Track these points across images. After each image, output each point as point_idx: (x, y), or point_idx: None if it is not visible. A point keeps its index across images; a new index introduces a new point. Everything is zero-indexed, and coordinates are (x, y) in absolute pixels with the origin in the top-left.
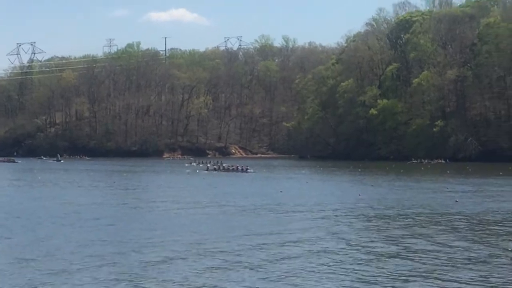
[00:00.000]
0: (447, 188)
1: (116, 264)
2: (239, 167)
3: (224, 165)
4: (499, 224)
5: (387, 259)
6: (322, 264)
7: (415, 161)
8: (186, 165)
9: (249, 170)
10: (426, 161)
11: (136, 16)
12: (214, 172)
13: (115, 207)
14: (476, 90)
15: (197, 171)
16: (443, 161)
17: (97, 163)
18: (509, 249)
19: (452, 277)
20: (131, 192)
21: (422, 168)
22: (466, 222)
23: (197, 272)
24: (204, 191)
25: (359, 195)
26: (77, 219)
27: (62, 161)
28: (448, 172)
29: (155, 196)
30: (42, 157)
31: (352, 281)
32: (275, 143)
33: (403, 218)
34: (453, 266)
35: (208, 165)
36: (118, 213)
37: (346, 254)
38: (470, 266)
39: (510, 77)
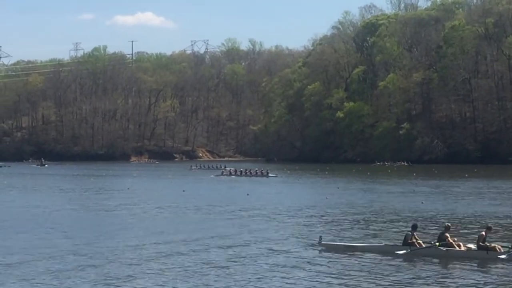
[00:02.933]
0: (414, 190)
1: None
2: (258, 172)
3: (241, 169)
4: (465, 226)
5: (349, 259)
6: (280, 265)
7: (379, 163)
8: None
9: (270, 175)
10: (389, 163)
11: (103, 19)
12: (230, 177)
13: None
14: (442, 93)
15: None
16: (406, 164)
17: (86, 168)
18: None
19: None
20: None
21: (389, 171)
22: (432, 224)
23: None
24: (174, 194)
25: (326, 197)
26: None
27: (46, 165)
28: (414, 174)
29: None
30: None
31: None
32: (242, 146)
33: (369, 220)
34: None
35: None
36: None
37: (306, 256)
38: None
39: (475, 80)
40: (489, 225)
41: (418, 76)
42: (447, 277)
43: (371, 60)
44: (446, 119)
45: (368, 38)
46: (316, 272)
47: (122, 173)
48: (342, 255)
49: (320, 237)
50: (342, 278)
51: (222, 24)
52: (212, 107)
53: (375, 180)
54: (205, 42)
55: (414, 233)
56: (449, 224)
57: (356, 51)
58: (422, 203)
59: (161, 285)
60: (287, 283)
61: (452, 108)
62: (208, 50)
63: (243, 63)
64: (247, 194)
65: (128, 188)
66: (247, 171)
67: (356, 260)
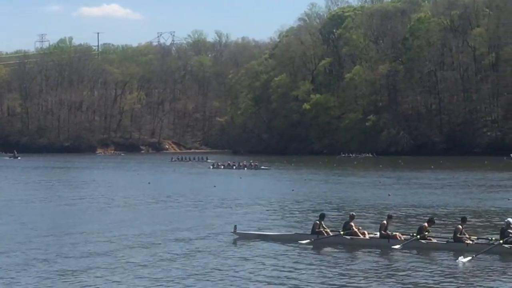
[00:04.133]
0: (380, 182)
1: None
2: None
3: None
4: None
5: (308, 252)
6: (188, 252)
7: (344, 155)
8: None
9: (262, 167)
10: (354, 155)
11: (69, 11)
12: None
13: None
14: (408, 85)
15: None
16: (371, 155)
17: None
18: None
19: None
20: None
21: (355, 162)
22: (398, 215)
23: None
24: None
25: (293, 190)
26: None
27: (19, 158)
28: (380, 166)
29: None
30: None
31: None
32: (208, 138)
33: (337, 212)
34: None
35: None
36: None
37: (217, 245)
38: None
39: (441, 72)
40: (390, 213)
41: (384, 68)
42: (347, 264)
43: (337, 52)
44: (412, 111)
45: (334, 30)
46: (222, 258)
47: (88, 165)
48: (253, 243)
49: (235, 226)
50: (244, 265)
51: (189, 16)
52: (178, 99)
53: (342, 172)
54: (171, 34)
55: (322, 222)
56: (354, 213)
57: (323, 43)
58: (389, 195)
59: (107, 278)
60: (187, 268)
61: (418, 100)
62: (175, 42)
63: (210, 55)
64: (214, 186)
65: (94, 180)
66: (239, 164)
67: (266, 247)
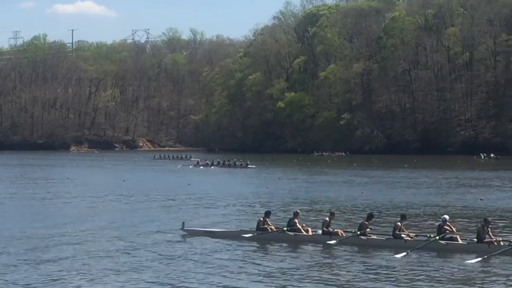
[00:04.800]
0: (354, 180)
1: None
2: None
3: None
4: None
5: (252, 247)
6: (136, 247)
7: (317, 153)
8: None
9: (250, 166)
10: (327, 153)
11: (43, 8)
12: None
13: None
14: (382, 83)
15: (191, 167)
16: (344, 154)
17: (26, 157)
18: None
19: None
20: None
21: (329, 161)
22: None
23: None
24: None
25: (267, 187)
26: None
27: None
28: (354, 164)
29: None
30: None
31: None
32: (183, 136)
33: (305, 211)
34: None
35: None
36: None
37: (165, 241)
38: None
39: (415, 71)
40: (332, 210)
41: (359, 67)
42: (285, 258)
43: (312, 51)
44: (386, 110)
45: (309, 29)
46: (167, 253)
47: (62, 163)
48: (200, 239)
49: (183, 223)
50: (188, 260)
51: (163, 14)
52: (152, 96)
53: (316, 170)
54: (146, 32)
55: (267, 219)
56: (298, 211)
57: (297, 42)
58: (363, 193)
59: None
60: (134, 261)
61: (392, 98)
62: (149, 40)
63: (184, 53)
64: (188, 184)
65: (68, 178)
66: (225, 162)
67: (211, 243)
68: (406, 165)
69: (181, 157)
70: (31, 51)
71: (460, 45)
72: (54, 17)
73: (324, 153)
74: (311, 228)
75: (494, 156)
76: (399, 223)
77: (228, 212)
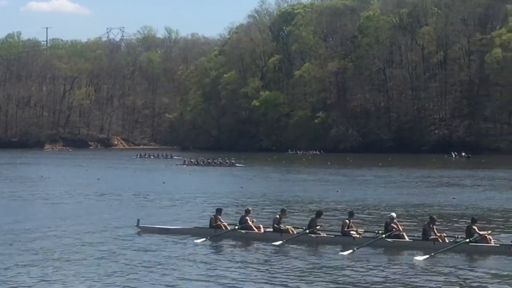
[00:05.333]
0: (329, 179)
1: None
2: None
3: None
4: (376, 214)
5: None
6: (91, 244)
7: (291, 152)
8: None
9: (237, 164)
10: (301, 152)
11: (17, 5)
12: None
13: None
14: (357, 82)
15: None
16: (318, 152)
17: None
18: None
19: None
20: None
21: (304, 160)
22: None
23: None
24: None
25: (241, 187)
26: None
27: None
28: (329, 163)
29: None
30: None
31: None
32: (157, 134)
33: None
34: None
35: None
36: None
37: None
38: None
39: (390, 69)
40: (284, 207)
41: (334, 66)
42: (235, 256)
43: (287, 49)
44: (361, 109)
45: (284, 27)
46: (119, 249)
47: (36, 161)
48: (153, 237)
49: (138, 220)
50: (139, 256)
51: (138, 12)
52: (127, 95)
53: (291, 169)
54: (120, 30)
55: (219, 216)
56: (250, 208)
57: (272, 40)
58: (337, 191)
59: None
60: (80, 257)
61: (367, 97)
62: (124, 38)
63: (159, 51)
64: (163, 183)
65: (42, 176)
66: (212, 161)
67: (164, 241)
68: (380, 164)
69: (163, 156)
70: (5, 49)
71: (435, 44)
72: (28, 15)
73: (298, 152)
74: (263, 226)
75: (465, 155)
76: (347, 221)
77: (194, 209)
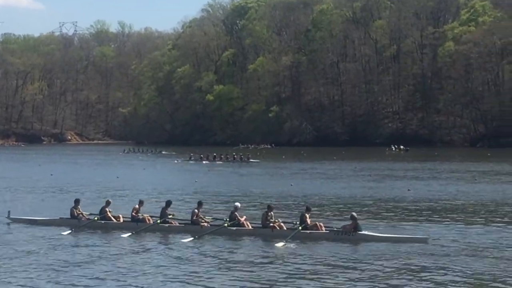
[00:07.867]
0: (283, 173)
1: None
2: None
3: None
4: (333, 206)
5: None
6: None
7: (243, 146)
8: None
9: (251, 160)
10: (253, 146)
11: None
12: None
13: None
14: (311, 76)
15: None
16: (270, 146)
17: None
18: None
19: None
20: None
21: (258, 153)
22: (299, 205)
23: None
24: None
25: (196, 181)
26: None
27: None
28: (283, 157)
29: None
30: None
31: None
32: (111, 129)
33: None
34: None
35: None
36: None
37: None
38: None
39: (343, 63)
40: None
41: (288, 60)
42: (98, 247)
43: (241, 43)
44: (315, 102)
45: (237, 21)
46: None
47: None
48: (21, 228)
49: (9, 211)
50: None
51: (91, 6)
52: (81, 89)
53: (244, 163)
54: (73, 24)
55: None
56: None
57: (226, 34)
58: (291, 185)
59: None
60: None
61: (321, 91)
62: (77, 32)
63: (113, 46)
64: (117, 177)
65: None
66: (225, 157)
67: (32, 232)
68: (334, 157)
69: (151, 152)
70: None
71: (388, 38)
72: None
73: (250, 146)
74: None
75: (404, 148)
76: (196, 210)
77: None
